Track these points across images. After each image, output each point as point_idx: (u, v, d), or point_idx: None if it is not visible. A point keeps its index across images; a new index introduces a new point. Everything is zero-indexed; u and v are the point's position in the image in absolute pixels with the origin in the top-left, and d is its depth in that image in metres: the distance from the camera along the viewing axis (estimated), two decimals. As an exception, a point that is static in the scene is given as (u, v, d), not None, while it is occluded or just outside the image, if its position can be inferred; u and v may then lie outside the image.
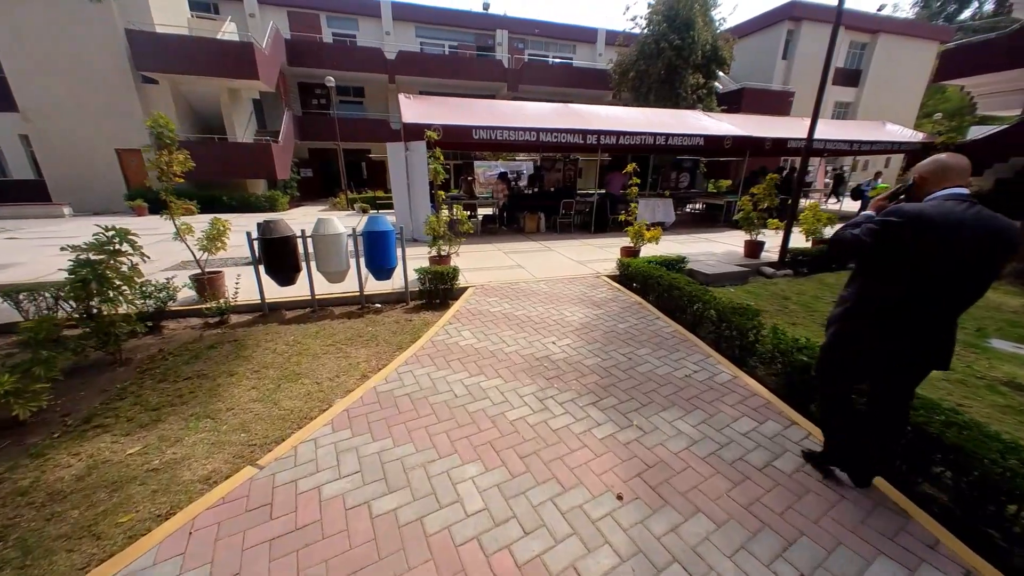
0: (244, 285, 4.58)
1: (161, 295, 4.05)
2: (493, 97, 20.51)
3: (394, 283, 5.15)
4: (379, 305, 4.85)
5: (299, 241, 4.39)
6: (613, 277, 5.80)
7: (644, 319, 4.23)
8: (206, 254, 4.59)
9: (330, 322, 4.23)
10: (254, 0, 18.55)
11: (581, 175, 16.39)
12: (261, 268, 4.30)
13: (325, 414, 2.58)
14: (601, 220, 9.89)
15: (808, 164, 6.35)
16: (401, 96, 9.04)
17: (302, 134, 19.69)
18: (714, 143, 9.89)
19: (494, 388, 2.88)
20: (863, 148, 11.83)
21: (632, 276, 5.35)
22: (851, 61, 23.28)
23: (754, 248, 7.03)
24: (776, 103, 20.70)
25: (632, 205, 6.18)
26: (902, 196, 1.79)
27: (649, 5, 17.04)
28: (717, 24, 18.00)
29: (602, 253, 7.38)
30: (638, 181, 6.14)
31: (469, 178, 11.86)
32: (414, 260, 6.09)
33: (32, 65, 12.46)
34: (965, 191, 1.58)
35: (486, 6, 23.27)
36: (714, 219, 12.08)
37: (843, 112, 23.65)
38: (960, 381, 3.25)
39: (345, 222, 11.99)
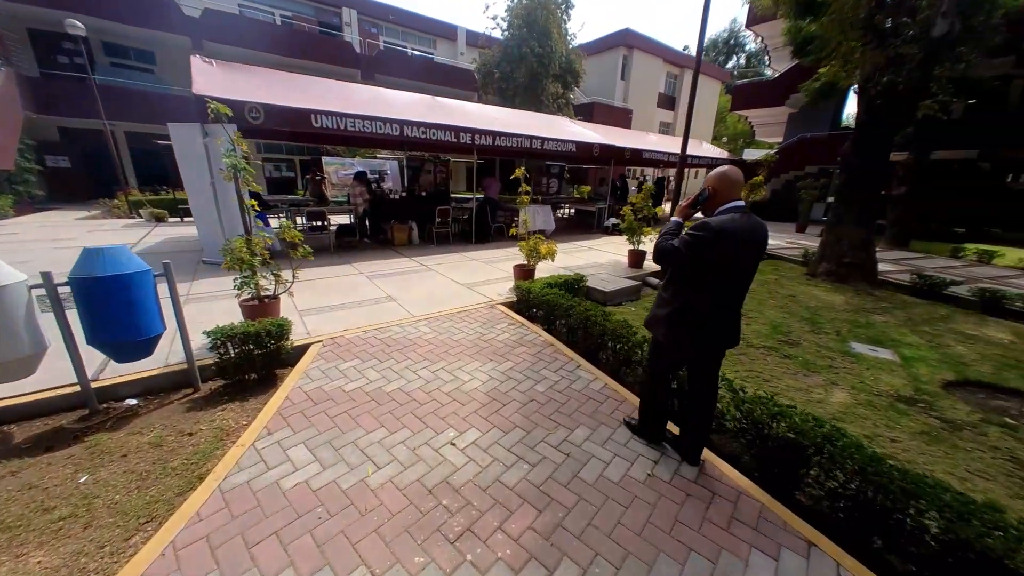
0: None
1: None
2: (344, 84, 17.64)
3: (170, 353, 3.06)
4: (134, 402, 2.75)
5: None
6: (510, 305, 4.78)
7: (564, 370, 3.28)
8: None
9: (-12, 471, 2.05)
10: None
11: (451, 178, 15.23)
12: None
13: None
14: (481, 229, 8.90)
15: (683, 174, 6.47)
16: (194, 59, 6.33)
17: (42, 105, 13.45)
18: (585, 150, 9.91)
19: (350, 610, 1.44)
20: (693, 161, 13.71)
21: (535, 304, 4.41)
22: (668, 88, 27.92)
23: (638, 258, 6.97)
24: (620, 118, 23.26)
25: (524, 217, 5.28)
26: (700, 204, 1.99)
27: (508, 8, 16.89)
28: (569, 39, 19.04)
29: (491, 271, 6.32)
30: (528, 188, 5.27)
31: (317, 176, 9.48)
32: (222, 303, 4.01)
33: None
34: (742, 203, 1.89)
35: (327, -23, 19.98)
36: (587, 225, 12.38)
37: (666, 130, 28.22)
38: (868, 403, 3.18)
39: (119, 237, 8.07)
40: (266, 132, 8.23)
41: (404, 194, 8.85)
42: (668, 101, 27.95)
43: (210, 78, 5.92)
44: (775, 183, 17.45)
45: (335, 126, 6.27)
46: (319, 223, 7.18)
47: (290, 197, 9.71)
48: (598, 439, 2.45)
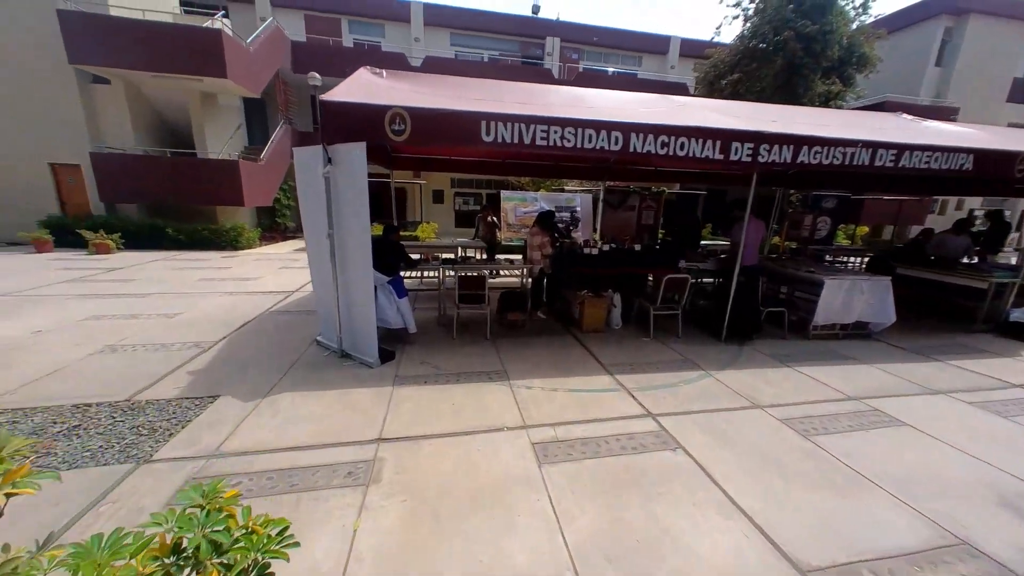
0: None
1: None
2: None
3: None
4: None
5: None
6: None
7: None
8: None
9: None
10: (267, 2, 16.01)
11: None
12: None
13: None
14: (742, 317, 4.83)
15: None
16: (361, 70, 4.77)
17: (309, 154, 16.47)
18: (996, 166, 4.68)
19: None
20: None
21: None
22: (1034, 70, 17.04)
23: None
24: (931, 122, 14.90)
25: None
26: None
27: (763, -20, 12.36)
28: (854, 14, 12.98)
29: (842, 480, 2.30)
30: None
31: (490, 218, 7.37)
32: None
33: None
34: None
35: (536, 9, 19.73)
36: (907, 302, 6.52)
37: (1020, 137, 17.22)
38: None
39: (297, 274, 7.39)
40: (413, 160, 6.20)
41: (607, 247, 5.64)
42: (1029, 90, 17.08)
43: (359, 86, 4.10)
44: None
45: (512, 139, 3.56)
46: (478, 292, 4.64)
47: (460, 240, 7.91)
48: None
